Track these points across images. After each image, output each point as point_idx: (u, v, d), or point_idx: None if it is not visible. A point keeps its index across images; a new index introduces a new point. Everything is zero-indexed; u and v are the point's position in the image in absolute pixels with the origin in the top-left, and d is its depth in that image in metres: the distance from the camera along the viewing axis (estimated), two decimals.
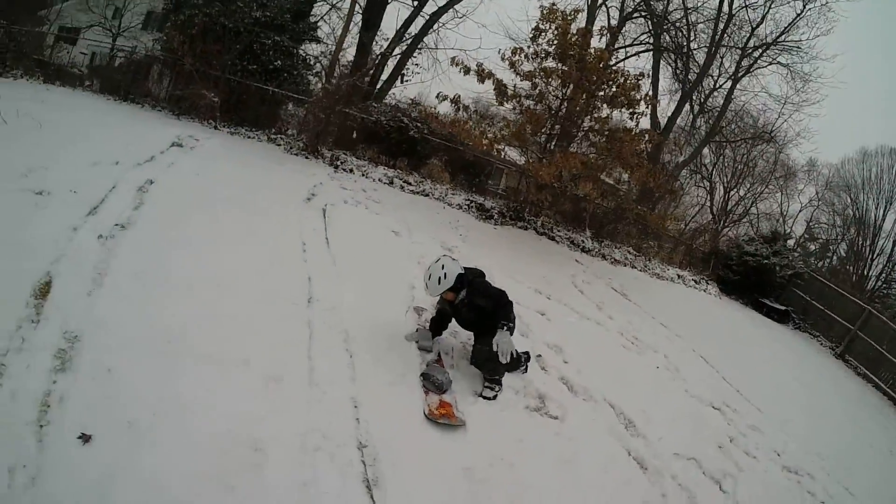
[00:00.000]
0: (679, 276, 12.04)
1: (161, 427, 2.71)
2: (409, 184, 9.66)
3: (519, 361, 4.25)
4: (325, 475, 2.86)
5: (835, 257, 27.97)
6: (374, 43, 12.57)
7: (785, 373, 8.46)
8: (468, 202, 9.92)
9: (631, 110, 9.24)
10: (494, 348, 3.74)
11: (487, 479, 3.24)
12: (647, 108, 13.75)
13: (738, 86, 16.13)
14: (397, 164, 10.56)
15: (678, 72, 15.72)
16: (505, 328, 3.84)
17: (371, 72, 12.21)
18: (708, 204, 24.37)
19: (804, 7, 14.90)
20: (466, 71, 9.16)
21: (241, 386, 3.22)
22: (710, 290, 12.23)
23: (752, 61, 15.63)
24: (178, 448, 2.64)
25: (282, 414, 3.14)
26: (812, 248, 28.56)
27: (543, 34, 9.21)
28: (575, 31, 8.98)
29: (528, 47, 9.29)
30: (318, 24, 12.26)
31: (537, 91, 9.43)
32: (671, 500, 3.78)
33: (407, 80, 13.10)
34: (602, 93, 9.20)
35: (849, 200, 27.16)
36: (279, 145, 9.40)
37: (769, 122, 16.71)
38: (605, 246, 11.10)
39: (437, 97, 9.45)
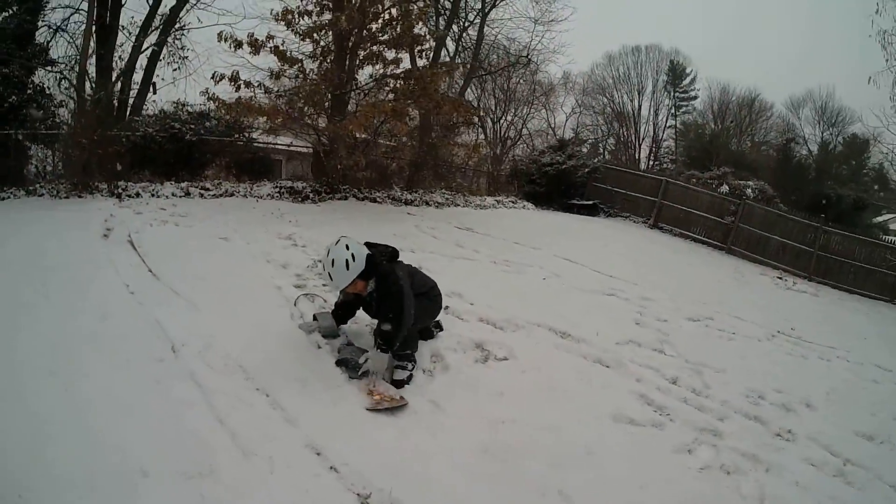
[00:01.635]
0: (498, 202, 12.62)
1: None
2: (209, 189, 8.42)
3: (413, 333, 3.44)
4: None
5: (606, 152, 32.15)
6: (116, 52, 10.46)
7: (624, 250, 9.58)
8: (277, 189, 9.00)
9: (418, 48, 9.16)
10: (362, 361, 3.14)
11: (518, 442, 2.82)
12: (432, 42, 13.75)
13: (492, 17, 16.78)
14: (179, 177, 9.08)
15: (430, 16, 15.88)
16: (380, 349, 3.17)
17: (120, 82, 10.17)
18: (482, 137, 26.06)
19: None
20: (238, 44, 8.21)
21: None
22: (527, 206, 13.12)
23: None
24: None
25: None
26: (583, 149, 32.65)
27: None
28: None
29: (296, 7, 8.57)
30: (50, 44, 9.92)
31: (321, 48, 8.87)
32: (646, 382, 3.72)
33: (175, 80, 11.02)
34: (386, 36, 8.87)
35: (605, 100, 31.77)
36: (41, 195, 7.37)
37: (526, 45, 17.72)
38: (422, 195, 11.08)
39: (212, 77, 8.25)
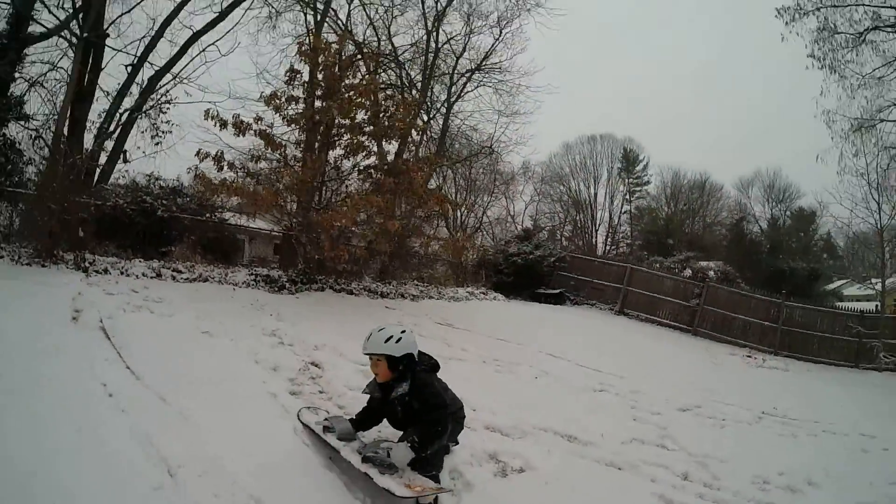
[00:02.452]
0: (469, 293, 12.91)
1: None
2: (181, 272, 8.29)
3: (441, 452, 3.33)
4: None
5: (563, 238, 33.48)
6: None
7: (600, 341, 10.06)
8: (252, 277, 8.92)
9: (409, 139, 9.36)
10: (385, 455, 3.00)
11: None
12: (420, 135, 14.29)
13: (458, 109, 18.00)
14: (148, 253, 9.00)
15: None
16: (412, 446, 2.99)
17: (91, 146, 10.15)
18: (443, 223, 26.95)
19: (501, 33, 17.05)
20: (223, 124, 8.35)
21: None
22: (497, 297, 13.46)
23: (460, 88, 17.68)
24: None
25: None
26: (542, 236, 34.05)
27: (299, 75, 8.97)
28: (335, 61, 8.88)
29: (283, 93, 8.88)
30: (26, 98, 9.86)
31: (305, 136, 9.06)
32: (661, 482, 3.87)
33: (155, 153, 10.89)
34: (371, 127, 9.10)
35: (563, 188, 33.66)
36: (1, 257, 7.14)
37: (490, 136, 18.89)
38: (396, 286, 11.23)
39: (196, 154, 8.32)
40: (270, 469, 3.17)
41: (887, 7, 13.42)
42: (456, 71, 17.18)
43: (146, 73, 11.39)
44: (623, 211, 35.45)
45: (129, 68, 11.21)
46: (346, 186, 9.63)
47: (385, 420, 3.44)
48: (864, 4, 13.52)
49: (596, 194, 34.79)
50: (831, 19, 14.13)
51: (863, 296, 22.92)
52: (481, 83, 17.60)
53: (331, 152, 9.29)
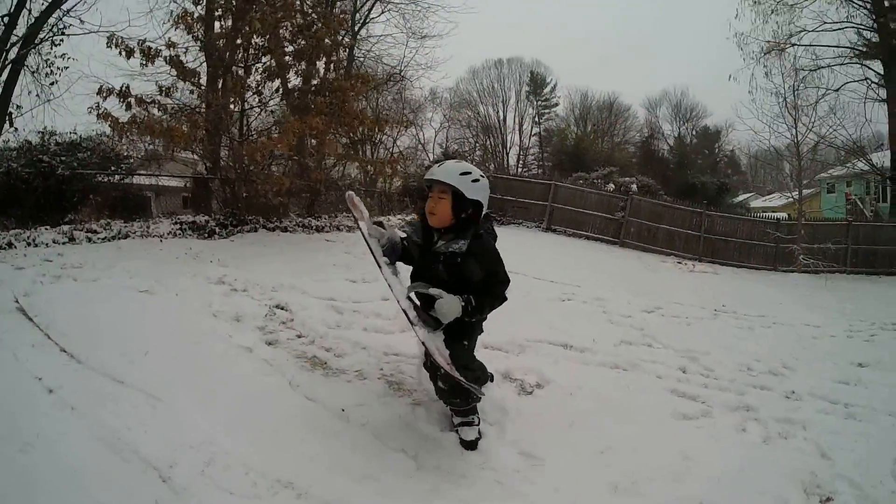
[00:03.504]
0: (404, 222, 12.61)
1: None
2: (96, 231, 7.34)
3: (480, 373, 2.87)
4: None
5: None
6: None
7: (540, 253, 10.28)
8: (177, 226, 8.12)
9: (334, 57, 8.66)
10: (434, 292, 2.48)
11: (643, 468, 2.67)
12: (348, 53, 13.42)
13: (365, 34, 17.04)
14: (53, 220, 7.93)
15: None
16: (465, 306, 2.47)
17: None
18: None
19: None
20: (129, 52, 7.41)
21: None
22: None
23: (365, 14, 16.73)
24: None
25: None
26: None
27: None
28: None
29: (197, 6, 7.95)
30: None
31: (223, 59, 8.16)
32: (667, 378, 4.01)
33: (48, 98, 9.20)
34: (295, 45, 8.32)
35: (471, 113, 33.53)
36: None
37: (399, 61, 18.10)
38: (328, 220, 10.60)
39: (98, 93, 7.27)
40: (286, 440, 2.66)
41: None
42: None
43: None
44: (533, 133, 36.18)
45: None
46: (272, 113, 8.91)
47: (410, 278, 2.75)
48: None
49: (505, 118, 35.21)
50: None
51: (768, 207, 25.24)
52: (387, 7, 16.78)
53: (248, 77, 8.44)
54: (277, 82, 8.69)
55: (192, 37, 7.98)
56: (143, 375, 3.09)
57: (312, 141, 8.18)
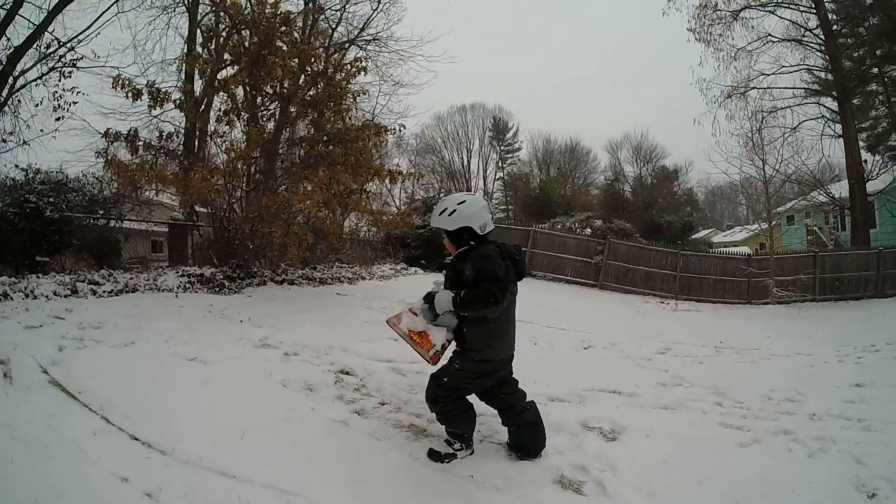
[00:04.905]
0: (393, 270, 13.30)
1: None
2: (99, 283, 7.26)
3: (446, 414, 3.25)
4: None
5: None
6: None
7: (535, 301, 10.50)
8: (185, 278, 8.13)
9: (346, 108, 8.53)
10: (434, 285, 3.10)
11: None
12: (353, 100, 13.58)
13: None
14: (34, 266, 7.80)
15: None
16: (454, 297, 2.89)
17: None
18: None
19: (379, 4, 16.75)
20: (136, 94, 7.47)
21: None
22: (417, 271, 13.99)
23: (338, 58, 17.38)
24: None
25: None
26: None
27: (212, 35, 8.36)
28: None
29: (204, 50, 8.19)
30: None
31: (242, 102, 8.19)
32: (709, 413, 4.66)
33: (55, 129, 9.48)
34: (314, 91, 8.32)
35: (435, 159, 34.91)
36: None
37: (371, 109, 18.72)
38: (330, 271, 11.05)
39: (105, 136, 7.48)
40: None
41: None
42: (332, 44, 17.04)
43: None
44: (497, 178, 37.74)
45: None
46: (291, 163, 8.84)
47: None
48: None
49: (469, 163, 36.70)
50: None
51: (729, 242, 27.07)
52: (367, 55, 17.63)
53: (269, 124, 8.52)
54: (291, 130, 8.83)
55: (202, 80, 8.08)
56: (256, 466, 2.85)
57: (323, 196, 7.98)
